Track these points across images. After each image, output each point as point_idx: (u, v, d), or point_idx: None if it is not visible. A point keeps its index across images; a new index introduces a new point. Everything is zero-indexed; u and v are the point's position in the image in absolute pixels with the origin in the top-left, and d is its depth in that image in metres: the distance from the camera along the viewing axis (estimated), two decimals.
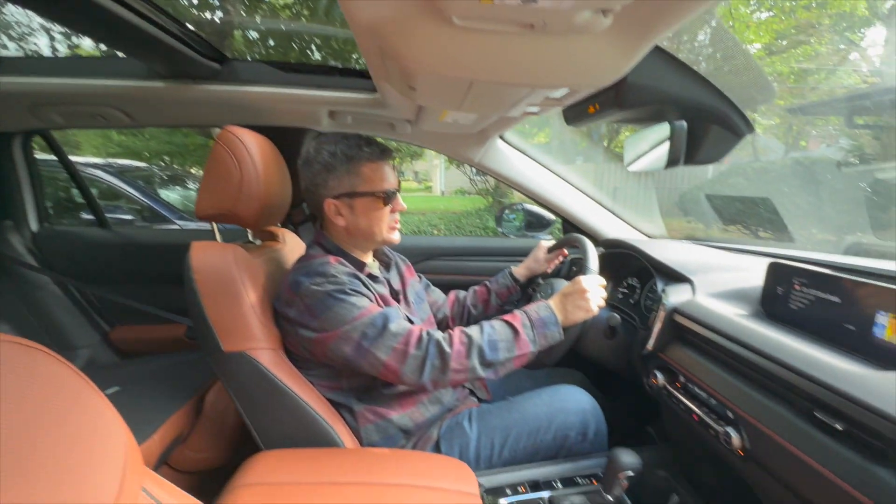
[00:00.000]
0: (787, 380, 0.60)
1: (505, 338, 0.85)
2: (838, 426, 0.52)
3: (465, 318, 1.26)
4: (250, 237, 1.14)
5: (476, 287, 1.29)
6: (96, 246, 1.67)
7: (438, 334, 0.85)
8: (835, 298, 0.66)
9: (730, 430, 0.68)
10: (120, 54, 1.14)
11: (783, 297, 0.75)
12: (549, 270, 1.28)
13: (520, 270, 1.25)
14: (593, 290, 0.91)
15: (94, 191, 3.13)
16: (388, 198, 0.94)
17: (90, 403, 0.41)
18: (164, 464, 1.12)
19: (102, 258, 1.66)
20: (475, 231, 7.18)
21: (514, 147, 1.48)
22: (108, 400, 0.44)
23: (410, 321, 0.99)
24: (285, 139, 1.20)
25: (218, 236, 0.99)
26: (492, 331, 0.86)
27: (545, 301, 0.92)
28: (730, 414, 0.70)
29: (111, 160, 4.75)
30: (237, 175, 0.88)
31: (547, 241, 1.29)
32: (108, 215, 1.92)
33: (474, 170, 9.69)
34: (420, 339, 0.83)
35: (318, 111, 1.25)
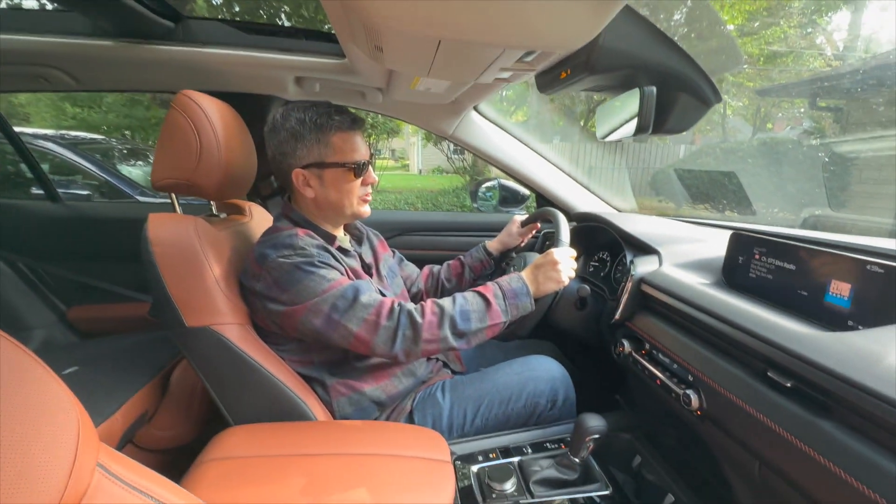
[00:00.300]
0: (743, 342, 0.63)
1: (477, 308, 0.85)
2: (788, 384, 0.55)
3: (439, 291, 1.26)
4: (214, 210, 1.09)
5: (450, 261, 1.29)
6: (47, 221, 1.57)
7: (410, 305, 0.84)
8: (791, 266, 0.69)
9: (689, 392, 0.71)
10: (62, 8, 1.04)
11: (743, 266, 0.78)
12: (523, 244, 1.29)
13: (493, 244, 1.26)
14: (564, 261, 0.92)
15: (45, 165, 2.93)
16: (359, 170, 0.91)
17: (37, 381, 0.39)
18: (130, 443, 1.09)
19: (54, 234, 1.57)
20: (453, 210, 7.16)
21: (489, 119, 1.46)
22: (57, 377, 0.41)
23: (383, 295, 0.98)
24: (249, 107, 1.14)
25: (178, 209, 0.94)
26: (464, 301, 0.86)
27: (517, 273, 0.92)
28: (690, 377, 0.73)
29: (64, 132, 4.42)
30: (195, 142, 0.83)
31: (521, 216, 1.29)
32: (62, 190, 1.80)
33: (451, 148, 9.62)
34: (391, 310, 0.82)
35: (283, 77, 1.19)
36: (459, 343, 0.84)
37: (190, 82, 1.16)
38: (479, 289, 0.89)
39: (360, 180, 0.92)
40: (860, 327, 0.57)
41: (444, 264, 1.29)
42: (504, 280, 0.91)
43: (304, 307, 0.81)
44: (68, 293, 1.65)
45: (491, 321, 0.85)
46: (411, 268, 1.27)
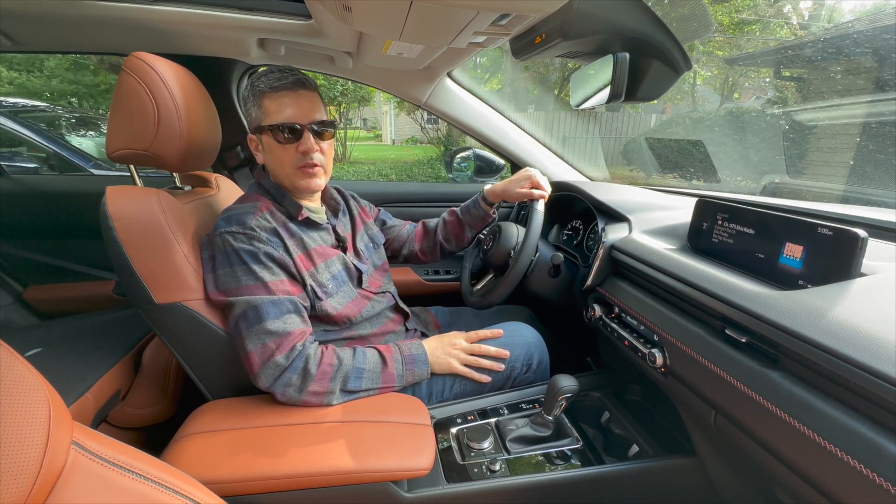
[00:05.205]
0: (703, 303, 0.67)
1: (372, 368, 0.86)
2: (743, 340, 0.59)
3: (438, 252, 1.23)
4: (177, 182, 1.04)
5: (446, 217, 1.22)
6: None
7: (312, 349, 0.82)
8: (750, 231, 0.73)
9: (655, 350, 0.75)
10: None
11: (707, 232, 0.81)
12: (517, 202, 1.27)
13: (496, 191, 1.13)
14: (462, 348, 0.95)
15: None
16: (280, 134, 0.83)
17: None
18: (105, 422, 1.08)
19: (2, 210, 1.46)
20: (428, 181, 7.10)
21: (464, 87, 1.43)
22: (21, 357, 0.40)
23: (358, 269, 0.98)
24: (209, 72, 1.07)
25: (138, 181, 0.89)
26: (363, 358, 0.86)
27: (420, 340, 0.95)
28: (655, 337, 0.77)
29: (1, 98, 4.04)
30: (152, 109, 0.78)
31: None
32: (5, 163, 1.68)
33: (425, 117, 9.40)
34: (293, 348, 0.79)
35: (244, 38, 1.12)
36: (343, 399, 0.83)
37: (141, 43, 1.08)
38: (382, 348, 0.90)
39: (291, 147, 0.84)
40: (809, 286, 0.61)
41: (440, 222, 1.22)
42: (406, 345, 0.92)
43: (224, 297, 0.81)
44: (23, 272, 1.56)
45: (383, 383, 0.86)
46: (401, 228, 1.23)
